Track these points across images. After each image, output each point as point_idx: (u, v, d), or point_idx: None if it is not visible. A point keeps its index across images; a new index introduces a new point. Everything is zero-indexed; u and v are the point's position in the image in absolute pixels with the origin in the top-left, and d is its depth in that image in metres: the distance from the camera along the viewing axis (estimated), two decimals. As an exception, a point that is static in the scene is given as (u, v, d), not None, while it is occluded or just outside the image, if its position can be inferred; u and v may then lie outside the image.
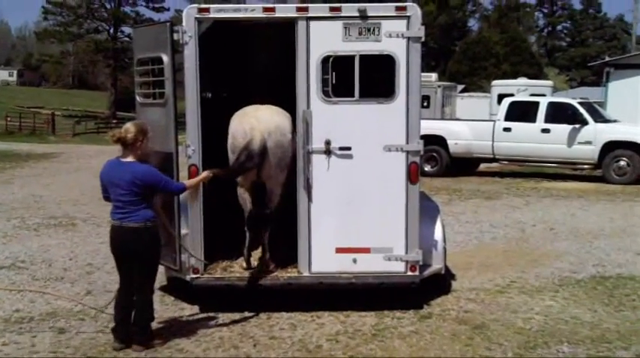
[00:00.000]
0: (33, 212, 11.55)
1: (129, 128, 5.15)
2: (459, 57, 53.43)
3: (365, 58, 5.84)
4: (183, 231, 5.96)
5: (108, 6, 51.92)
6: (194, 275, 5.99)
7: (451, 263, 7.52)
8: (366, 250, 5.99)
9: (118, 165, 5.15)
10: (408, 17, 5.78)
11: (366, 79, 5.87)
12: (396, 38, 5.80)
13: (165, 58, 5.83)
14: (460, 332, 5.55)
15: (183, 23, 5.85)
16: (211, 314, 6.00)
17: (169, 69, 5.83)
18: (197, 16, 5.87)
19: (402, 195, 5.92)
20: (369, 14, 5.77)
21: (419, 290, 6.23)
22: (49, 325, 5.80)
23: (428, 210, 6.61)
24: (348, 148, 5.91)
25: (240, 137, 5.99)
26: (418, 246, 5.99)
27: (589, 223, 10.54)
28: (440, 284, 6.67)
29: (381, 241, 5.98)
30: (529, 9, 71.89)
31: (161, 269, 6.56)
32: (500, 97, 19.58)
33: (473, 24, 70.08)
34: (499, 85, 25.00)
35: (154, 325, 5.49)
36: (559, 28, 75.87)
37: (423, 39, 5.81)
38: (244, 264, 6.27)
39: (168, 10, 55.90)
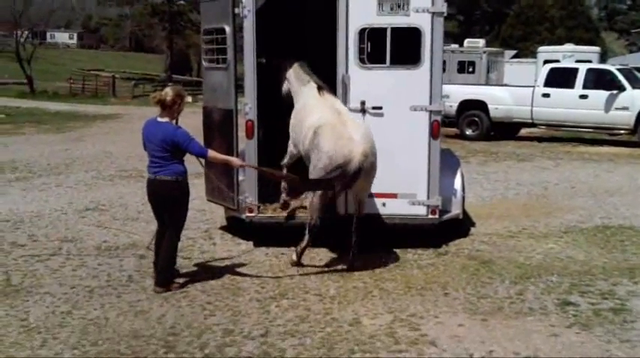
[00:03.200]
0: (106, 165, 13.03)
1: (168, 92, 5.79)
2: (513, 21, 52.60)
3: (395, 30, 6.83)
4: (241, 178, 7.11)
5: (164, -31, 52.94)
6: (249, 214, 7.15)
7: (473, 213, 8.55)
8: (394, 196, 7.04)
9: (154, 124, 5.81)
10: (433, -5, 6.71)
11: (396, 48, 6.86)
12: (422, 13, 6.76)
13: (228, 29, 6.91)
14: (469, 266, 6.59)
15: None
16: (263, 248, 7.17)
17: (231, 38, 6.91)
18: None
19: (425, 148, 6.92)
20: None
21: (440, 232, 7.29)
22: (132, 252, 7.12)
23: (450, 164, 7.65)
24: (380, 108, 6.93)
25: (340, 160, 5.99)
26: (438, 193, 7.01)
27: (610, 182, 11.29)
28: (459, 229, 7.69)
29: (406, 188, 7.01)
30: (587, -30, 69.53)
31: (221, 211, 7.79)
32: (546, 63, 19.93)
33: (528, -14, 68.30)
34: (545, 51, 25.25)
35: (214, 260, 6.69)
36: (619, -11, 73.19)
37: (445, 14, 6.74)
38: (294, 257, 6.52)
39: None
